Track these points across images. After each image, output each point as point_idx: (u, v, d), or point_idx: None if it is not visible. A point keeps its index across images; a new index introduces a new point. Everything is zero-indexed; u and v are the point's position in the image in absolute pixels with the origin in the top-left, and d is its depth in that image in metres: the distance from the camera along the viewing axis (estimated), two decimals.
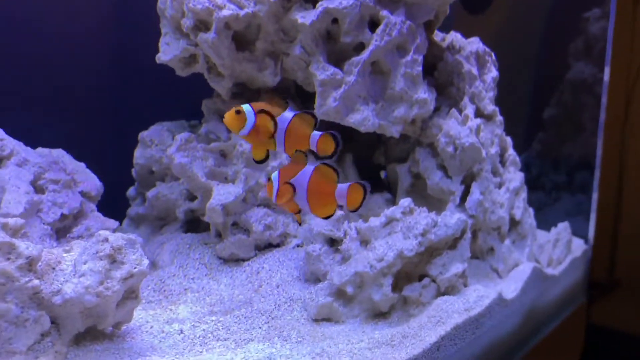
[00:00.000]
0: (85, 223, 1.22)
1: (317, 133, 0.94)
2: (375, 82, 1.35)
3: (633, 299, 2.28)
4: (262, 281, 1.22)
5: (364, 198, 0.89)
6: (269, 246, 1.34)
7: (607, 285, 2.37)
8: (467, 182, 1.45)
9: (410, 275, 1.21)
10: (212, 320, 1.08)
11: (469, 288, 1.24)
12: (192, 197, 1.37)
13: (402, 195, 1.46)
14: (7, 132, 1.15)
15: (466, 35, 1.58)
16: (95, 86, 1.54)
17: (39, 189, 1.15)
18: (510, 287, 1.38)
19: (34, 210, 1.12)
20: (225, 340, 1.03)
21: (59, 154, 1.22)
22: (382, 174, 1.59)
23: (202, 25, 1.28)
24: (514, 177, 1.58)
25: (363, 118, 1.31)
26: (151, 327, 1.04)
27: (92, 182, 1.24)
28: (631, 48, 2.19)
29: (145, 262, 0.95)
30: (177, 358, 0.95)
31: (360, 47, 1.33)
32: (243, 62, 1.32)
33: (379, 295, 1.13)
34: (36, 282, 0.85)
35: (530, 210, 1.65)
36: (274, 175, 0.90)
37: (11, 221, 0.91)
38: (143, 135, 1.42)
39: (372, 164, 1.57)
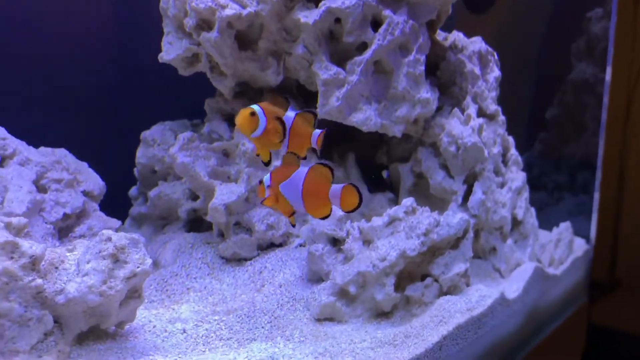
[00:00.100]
0: (87, 222, 1.22)
1: (317, 131, 0.95)
2: (377, 82, 1.35)
3: (633, 299, 2.28)
4: (264, 281, 1.22)
5: (359, 200, 0.88)
6: (272, 246, 1.34)
7: (607, 285, 2.37)
8: (470, 182, 1.45)
9: (413, 274, 1.21)
10: (215, 320, 1.08)
11: (471, 288, 1.24)
12: (194, 197, 1.37)
13: (405, 195, 1.46)
14: (9, 132, 1.15)
15: (468, 34, 1.58)
16: (98, 86, 1.54)
17: (41, 189, 1.16)
18: (513, 286, 1.38)
19: (36, 209, 1.12)
20: (228, 339, 1.03)
21: (62, 153, 1.23)
22: (385, 173, 1.59)
23: (204, 24, 1.27)
24: (516, 176, 1.58)
25: (365, 117, 1.31)
26: (154, 326, 1.04)
27: (94, 182, 1.25)
28: (632, 48, 2.19)
29: (149, 261, 0.95)
30: (180, 357, 0.95)
31: (362, 47, 1.33)
32: (246, 61, 1.31)
33: (381, 294, 1.13)
34: (39, 281, 0.85)
35: (532, 210, 1.65)
36: (266, 178, 0.90)
37: (14, 220, 0.91)
38: (145, 134, 1.42)
39: (375, 163, 1.57)
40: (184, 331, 1.04)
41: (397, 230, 1.19)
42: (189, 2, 1.25)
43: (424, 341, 1.04)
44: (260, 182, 0.91)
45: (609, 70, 2.02)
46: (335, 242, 1.25)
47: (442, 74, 1.51)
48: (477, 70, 1.52)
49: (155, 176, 1.43)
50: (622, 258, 2.37)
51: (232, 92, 1.38)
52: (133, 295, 0.96)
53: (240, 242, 1.28)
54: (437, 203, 1.43)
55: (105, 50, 1.55)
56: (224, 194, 1.27)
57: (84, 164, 1.26)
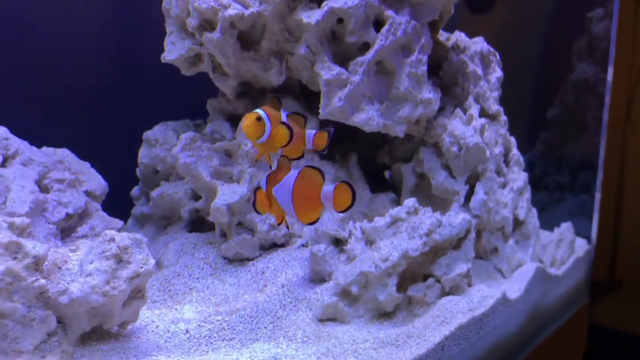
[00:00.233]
0: (90, 222, 1.22)
1: (310, 132, 0.95)
2: (380, 82, 1.35)
3: (633, 299, 2.28)
4: (267, 281, 1.22)
5: (353, 198, 0.87)
6: (274, 246, 1.34)
7: (608, 285, 2.38)
8: (472, 182, 1.45)
9: (415, 275, 1.21)
10: (218, 320, 1.08)
11: (473, 288, 1.24)
12: (196, 197, 1.37)
13: (407, 195, 1.46)
14: (12, 132, 1.15)
15: (470, 35, 1.58)
16: (100, 86, 1.54)
17: (44, 189, 1.15)
18: (514, 287, 1.38)
19: (39, 209, 1.12)
20: (230, 340, 1.03)
21: (64, 153, 1.22)
22: (387, 173, 1.60)
23: (207, 24, 1.27)
24: (518, 177, 1.58)
25: (368, 118, 1.31)
26: (157, 326, 1.05)
27: (96, 182, 1.24)
28: (634, 48, 2.19)
29: (152, 261, 0.95)
30: (182, 358, 0.95)
31: (365, 47, 1.33)
32: (248, 61, 1.31)
33: (384, 295, 1.13)
34: (43, 281, 0.85)
35: (534, 211, 1.65)
36: (262, 182, 0.90)
37: (17, 220, 0.91)
38: (148, 134, 1.42)
39: (377, 163, 1.57)
40: (187, 331, 1.04)
41: (400, 231, 1.19)
42: (192, 2, 1.25)
43: (426, 341, 1.05)
44: (258, 187, 0.90)
45: (610, 70, 2.02)
46: (338, 243, 1.25)
47: (445, 74, 1.51)
48: (479, 71, 1.52)
49: (158, 176, 1.43)
50: (623, 258, 2.38)
51: (234, 92, 1.38)
52: (136, 295, 0.96)
53: (243, 242, 1.28)
54: (439, 203, 1.44)
55: (107, 50, 1.55)
56: (227, 194, 1.27)
57: (86, 164, 1.26)
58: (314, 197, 0.87)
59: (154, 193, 1.39)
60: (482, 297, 1.21)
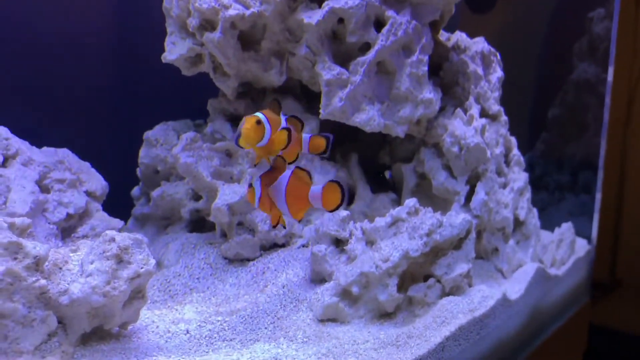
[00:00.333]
0: (90, 222, 1.22)
1: (306, 136, 0.96)
2: (380, 82, 1.35)
3: (633, 299, 2.28)
4: (267, 281, 1.22)
5: (342, 197, 0.88)
6: (275, 246, 1.34)
7: (608, 285, 2.38)
8: (472, 182, 1.45)
9: (416, 275, 1.21)
10: (218, 321, 1.08)
11: (473, 288, 1.24)
12: (197, 197, 1.37)
13: (408, 195, 1.46)
14: (12, 132, 1.15)
15: (471, 35, 1.58)
16: (100, 85, 1.54)
17: (44, 189, 1.15)
18: (515, 287, 1.38)
19: (39, 209, 1.12)
20: (231, 340, 1.03)
21: (64, 153, 1.22)
22: (387, 173, 1.59)
23: (208, 24, 1.27)
24: (519, 177, 1.58)
25: (369, 118, 1.31)
26: (157, 327, 1.04)
27: (97, 182, 1.24)
28: (634, 49, 2.19)
29: (152, 262, 0.95)
30: (183, 358, 0.95)
31: (365, 47, 1.32)
32: (249, 61, 1.31)
33: (384, 295, 1.13)
34: (43, 282, 0.85)
35: (535, 211, 1.65)
36: (255, 181, 0.90)
37: (18, 221, 0.91)
38: (148, 134, 1.42)
39: (378, 163, 1.57)
40: (187, 332, 1.04)
41: (400, 231, 1.19)
42: (192, 3, 1.25)
43: (426, 342, 1.05)
44: (250, 185, 0.90)
45: (610, 71, 2.02)
46: (338, 243, 1.25)
47: (445, 74, 1.51)
48: (479, 71, 1.52)
49: (158, 176, 1.43)
50: (623, 258, 2.38)
51: (235, 93, 1.38)
52: (137, 295, 0.96)
53: (243, 242, 1.28)
54: (440, 203, 1.43)
55: (107, 50, 1.55)
56: (227, 194, 1.27)
57: (87, 164, 1.25)
58: (303, 197, 0.90)
59: (154, 193, 1.39)
60: (482, 297, 1.21)
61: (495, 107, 1.55)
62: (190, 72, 1.36)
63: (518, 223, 1.58)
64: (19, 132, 1.17)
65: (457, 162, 1.41)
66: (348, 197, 0.91)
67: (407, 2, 1.34)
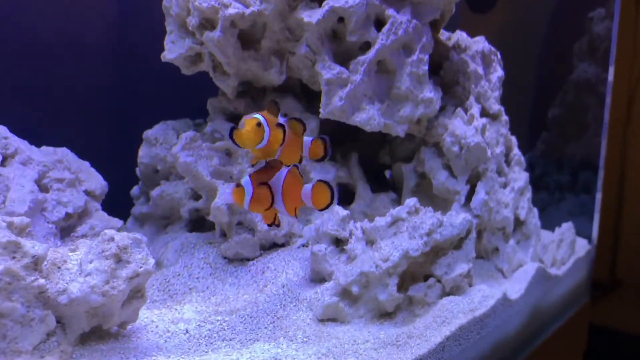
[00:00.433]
0: (89, 222, 1.21)
1: (308, 139, 0.96)
2: (381, 82, 1.34)
3: (633, 299, 2.28)
4: (267, 281, 1.22)
5: (331, 197, 0.91)
6: (274, 246, 1.33)
7: (609, 285, 2.38)
8: (473, 182, 1.45)
9: (416, 275, 1.20)
10: (218, 320, 1.08)
11: (473, 288, 1.24)
12: (196, 196, 1.37)
13: (408, 195, 1.46)
14: (11, 131, 1.15)
15: (471, 34, 1.58)
16: (100, 85, 1.54)
17: (43, 188, 1.15)
18: (515, 287, 1.37)
19: (38, 209, 1.12)
20: (230, 340, 1.03)
21: (64, 152, 1.22)
22: (387, 173, 1.59)
23: (207, 23, 1.27)
24: (519, 177, 1.58)
25: (369, 117, 1.31)
26: (156, 326, 1.04)
27: (96, 181, 1.24)
28: (634, 49, 2.19)
29: (151, 261, 0.95)
30: (182, 358, 0.94)
31: (366, 46, 1.32)
32: (248, 60, 1.31)
33: (384, 295, 1.13)
34: (42, 281, 0.85)
35: (535, 211, 1.65)
36: (244, 180, 0.89)
37: (17, 220, 0.91)
38: (148, 134, 1.41)
39: (378, 163, 1.57)
40: (187, 331, 1.04)
41: (400, 231, 1.18)
42: (192, 1, 1.25)
43: (426, 342, 1.04)
44: (238, 185, 0.89)
45: (611, 71, 2.01)
46: (338, 242, 1.24)
47: (446, 73, 1.51)
48: (480, 70, 1.52)
49: (158, 175, 1.43)
50: (623, 258, 2.38)
51: (234, 92, 1.38)
52: (136, 295, 0.96)
53: (243, 242, 1.27)
54: (440, 203, 1.43)
55: (107, 49, 1.54)
56: (227, 193, 1.26)
57: (86, 163, 1.25)
58: (297, 195, 0.92)
59: (153, 192, 1.39)
60: (482, 297, 1.20)
61: (495, 107, 1.55)
62: (189, 71, 1.35)
63: (518, 223, 1.57)
64: (19, 131, 1.16)
65: (458, 161, 1.41)
66: (338, 197, 0.92)
67: (407, 1, 1.34)
